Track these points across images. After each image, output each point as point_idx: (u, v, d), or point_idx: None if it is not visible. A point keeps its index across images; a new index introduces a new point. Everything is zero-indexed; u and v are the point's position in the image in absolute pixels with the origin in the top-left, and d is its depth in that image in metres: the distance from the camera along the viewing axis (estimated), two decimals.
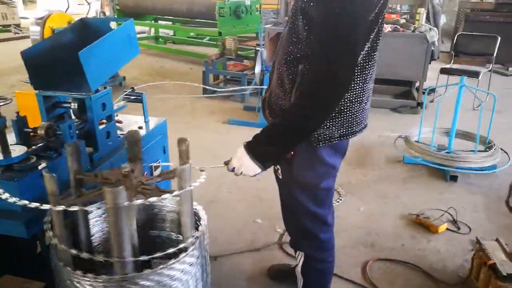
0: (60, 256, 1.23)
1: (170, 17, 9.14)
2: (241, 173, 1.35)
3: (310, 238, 1.63)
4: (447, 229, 2.68)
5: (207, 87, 4.97)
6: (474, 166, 3.27)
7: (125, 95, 2.07)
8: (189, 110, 5.08)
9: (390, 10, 6.05)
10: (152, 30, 9.95)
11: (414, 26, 4.99)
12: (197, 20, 8.52)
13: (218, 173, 3.17)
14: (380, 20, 1.29)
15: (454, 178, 3.31)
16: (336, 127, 1.40)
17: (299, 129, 1.28)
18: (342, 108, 1.38)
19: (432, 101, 5.22)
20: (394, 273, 2.31)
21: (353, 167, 3.57)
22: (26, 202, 1.14)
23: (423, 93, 4.95)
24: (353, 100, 1.38)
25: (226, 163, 1.42)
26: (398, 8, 8.00)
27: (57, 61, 1.74)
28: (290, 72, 1.35)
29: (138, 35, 9.99)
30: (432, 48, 4.89)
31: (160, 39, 9.70)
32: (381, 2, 1.25)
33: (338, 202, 3.00)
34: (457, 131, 3.56)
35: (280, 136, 1.31)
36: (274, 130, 1.33)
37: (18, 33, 11.22)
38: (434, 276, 2.26)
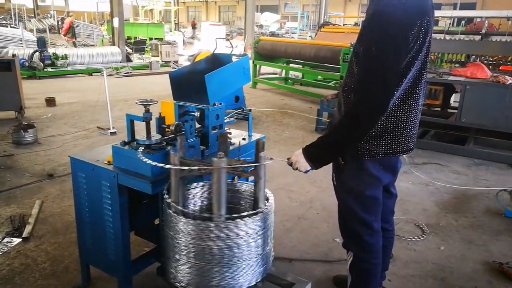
0: (168, 204, 1.79)
1: (300, 61, 10.00)
2: (297, 168, 1.78)
3: (356, 240, 1.93)
4: None
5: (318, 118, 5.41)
6: None
7: (236, 113, 2.67)
8: (299, 141, 5.59)
9: (509, 63, 5.75)
10: (283, 71, 10.94)
11: None
12: (325, 65, 9.17)
13: (309, 198, 3.59)
14: (417, 62, 1.61)
15: None
16: (381, 146, 1.72)
17: (339, 141, 1.68)
18: (387, 130, 1.71)
19: None
20: None
21: (446, 212, 3.58)
22: (158, 163, 1.75)
23: None
24: (397, 126, 1.71)
25: (288, 159, 1.85)
26: None
27: (191, 82, 2.42)
28: (345, 99, 1.74)
29: (271, 75, 11.18)
30: None
31: (289, 80, 10.61)
32: (416, 47, 1.57)
33: (419, 238, 3.10)
34: None
35: (325, 144, 1.72)
36: (322, 139, 1.73)
37: (175, 68, 13.47)
38: None
